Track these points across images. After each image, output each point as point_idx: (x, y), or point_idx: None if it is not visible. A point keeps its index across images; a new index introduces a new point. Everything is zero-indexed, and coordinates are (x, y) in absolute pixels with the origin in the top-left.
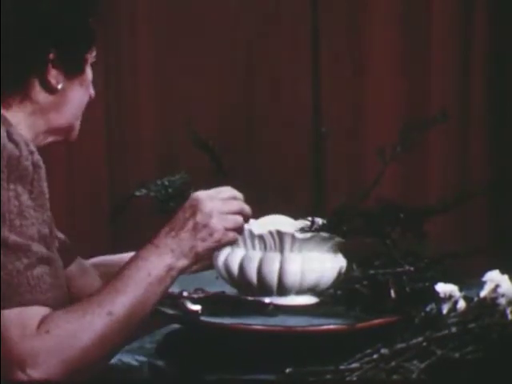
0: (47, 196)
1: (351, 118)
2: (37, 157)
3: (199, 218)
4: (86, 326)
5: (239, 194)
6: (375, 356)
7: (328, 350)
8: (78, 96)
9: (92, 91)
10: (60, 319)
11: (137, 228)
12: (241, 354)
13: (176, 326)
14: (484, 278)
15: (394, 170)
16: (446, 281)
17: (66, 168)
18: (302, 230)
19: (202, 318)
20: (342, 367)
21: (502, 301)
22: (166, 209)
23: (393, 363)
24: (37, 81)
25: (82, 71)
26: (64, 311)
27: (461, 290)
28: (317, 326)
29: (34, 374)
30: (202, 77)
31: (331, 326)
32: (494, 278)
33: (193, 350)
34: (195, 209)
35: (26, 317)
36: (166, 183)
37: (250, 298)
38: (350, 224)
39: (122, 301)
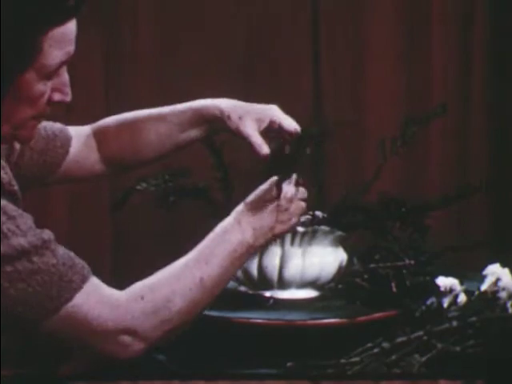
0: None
1: (351, 117)
2: None
3: (282, 201)
4: (180, 291)
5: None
6: (376, 350)
7: (329, 344)
8: (10, 111)
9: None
10: (154, 285)
11: (136, 224)
12: (241, 348)
13: None
14: (485, 272)
15: (394, 169)
16: (446, 274)
17: None
18: (303, 223)
19: (203, 312)
20: (342, 361)
21: (503, 294)
22: (166, 203)
23: (393, 357)
24: None
25: (6, 91)
26: (154, 278)
27: (461, 283)
28: (317, 319)
29: (144, 334)
30: (202, 75)
31: (332, 320)
32: (494, 271)
33: (193, 344)
34: (278, 192)
35: (96, 291)
36: (167, 177)
37: (250, 292)
38: (350, 218)
39: (212, 269)
